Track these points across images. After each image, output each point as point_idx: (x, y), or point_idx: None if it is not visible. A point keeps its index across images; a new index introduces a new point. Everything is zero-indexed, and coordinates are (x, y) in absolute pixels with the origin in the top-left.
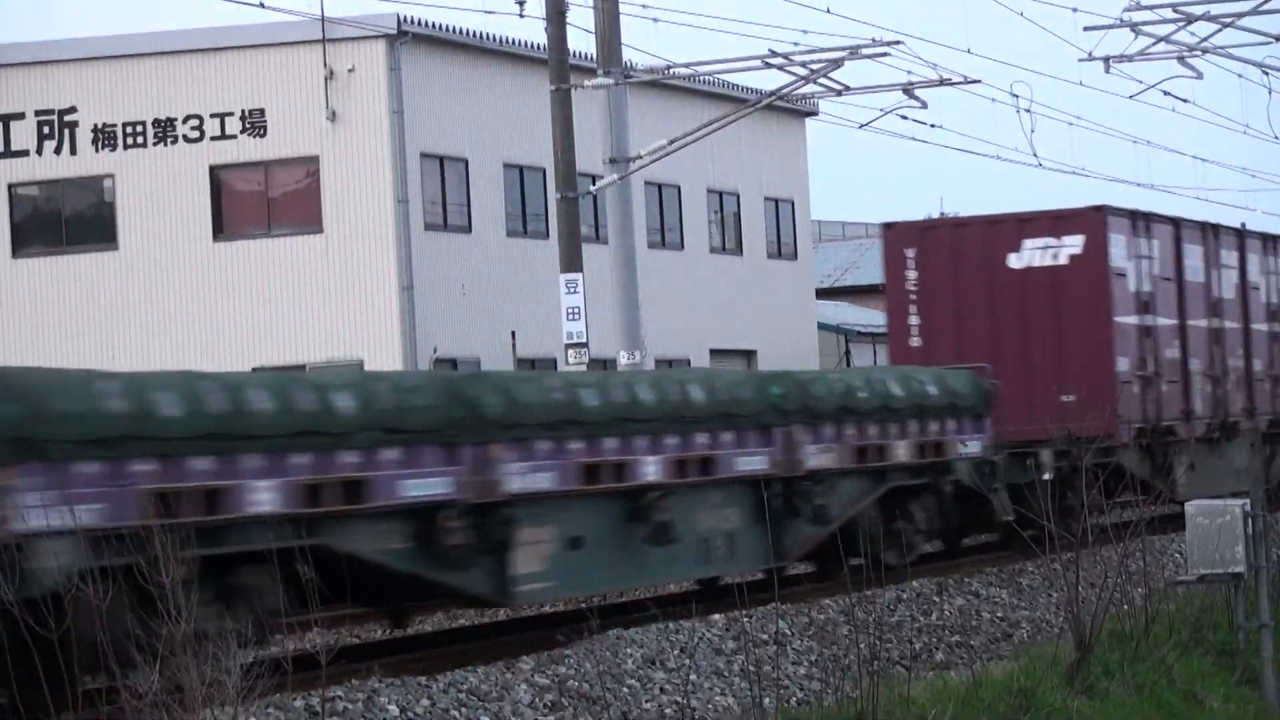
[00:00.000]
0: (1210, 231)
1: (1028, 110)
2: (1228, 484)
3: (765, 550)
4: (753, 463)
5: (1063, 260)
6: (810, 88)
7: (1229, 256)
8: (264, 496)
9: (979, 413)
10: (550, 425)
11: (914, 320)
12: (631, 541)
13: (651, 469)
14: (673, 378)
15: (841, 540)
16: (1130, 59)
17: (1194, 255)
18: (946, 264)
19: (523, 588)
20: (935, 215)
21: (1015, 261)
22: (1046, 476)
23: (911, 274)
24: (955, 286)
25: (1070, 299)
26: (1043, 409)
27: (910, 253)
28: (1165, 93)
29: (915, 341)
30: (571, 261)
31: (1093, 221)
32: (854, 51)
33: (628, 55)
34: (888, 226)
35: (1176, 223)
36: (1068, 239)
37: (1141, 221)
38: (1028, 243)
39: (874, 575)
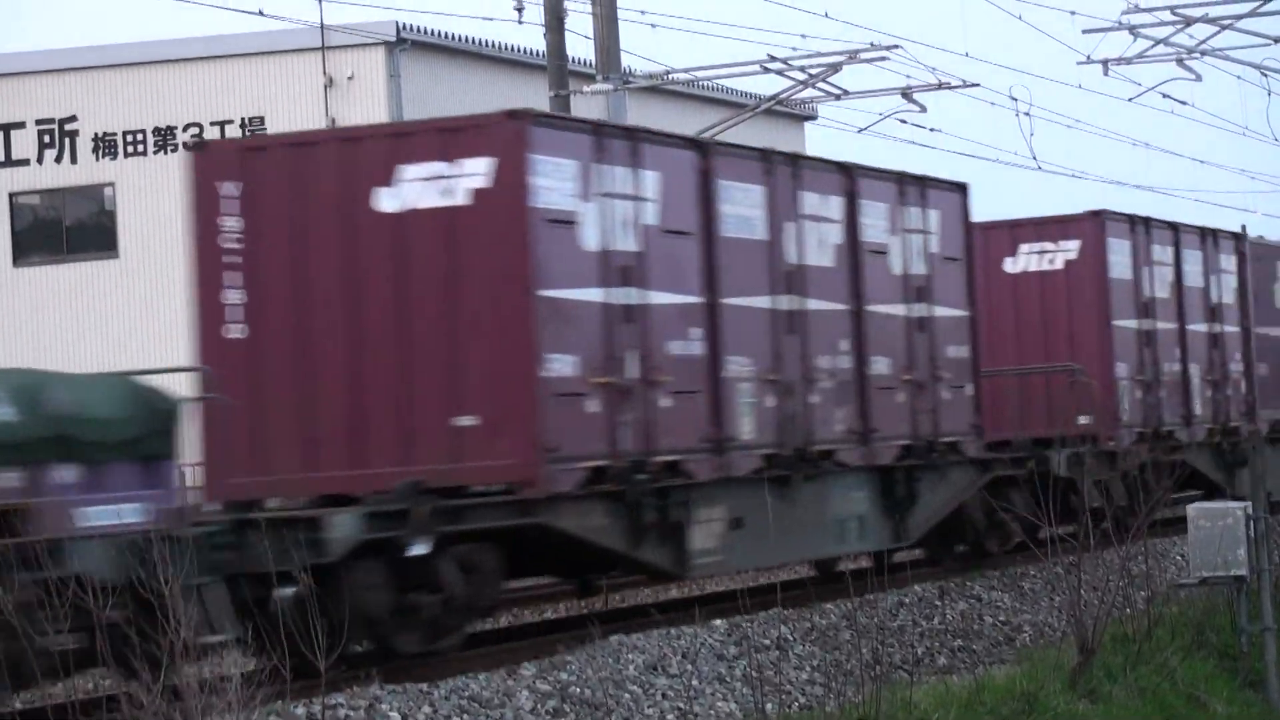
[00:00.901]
0: (784, 164)
1: (1027, 113)
2: (814, 544)
3: None
4: None
5: (461, 199)
6: (809, 92)
7: (824, 204)
8: None
9: (152, 453)
10: None
11: (234, 297)
12: None
13: None
14: None
15: None
16: (1129, 61)
17: (744, 199)
18: (286, 207)
19: None
20: None
21: (390, 202)
22: (416, 551)
23: (231, 223)
24: (300, 242)
25: (471, 261)
26: (428, 439)
27: (230, 189)
28: (1164, 95)
29: (236, 330)
30: None
31: (505, 136)
32: (852, 56)
33: (626, 61)
34: (195, 148)
35: (703, 148)
36: (469, 164)
37: (619, 141)
38: (408, 171)
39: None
